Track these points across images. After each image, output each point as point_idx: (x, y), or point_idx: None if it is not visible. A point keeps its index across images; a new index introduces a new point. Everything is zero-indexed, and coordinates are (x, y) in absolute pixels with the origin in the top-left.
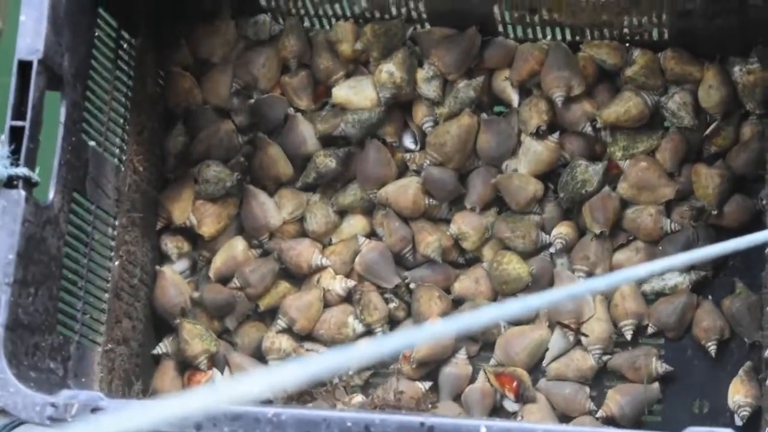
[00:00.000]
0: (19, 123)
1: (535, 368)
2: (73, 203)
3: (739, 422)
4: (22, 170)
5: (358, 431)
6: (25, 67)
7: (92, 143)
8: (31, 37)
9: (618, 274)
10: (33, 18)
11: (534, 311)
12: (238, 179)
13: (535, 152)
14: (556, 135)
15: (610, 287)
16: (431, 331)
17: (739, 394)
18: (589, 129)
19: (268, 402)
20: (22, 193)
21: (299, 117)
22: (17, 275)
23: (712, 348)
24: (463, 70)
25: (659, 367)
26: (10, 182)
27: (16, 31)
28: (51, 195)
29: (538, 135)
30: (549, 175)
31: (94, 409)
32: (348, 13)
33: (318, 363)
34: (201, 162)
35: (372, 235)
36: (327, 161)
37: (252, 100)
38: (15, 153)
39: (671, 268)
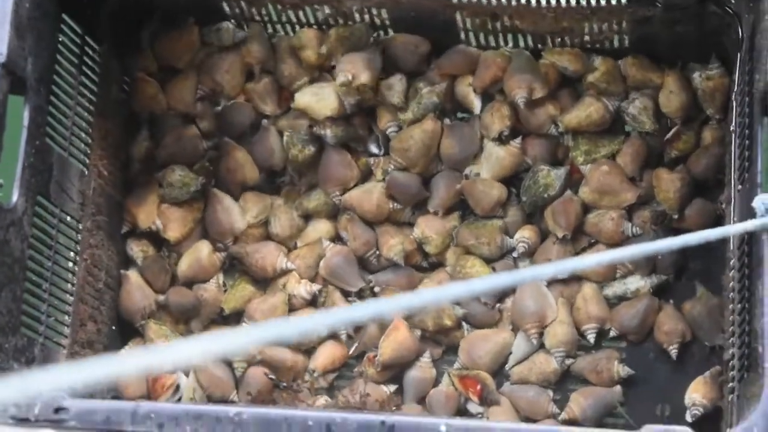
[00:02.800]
0: None
1: (499, 372)
2: (37, 206)
3: (688, 419)
4: None
5: (320, 430)
6: None
7: (57, 148)
8: None
9: (575, 260)
10: None
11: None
12: (203, 183)
13: (497, 157)
14: (518, 140)
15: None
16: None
17: (697, 393)
18: (553, 130)
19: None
20: None
21: (272, 129)
22: None
23: (673, 351)
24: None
25: (621, 370)
26: None
27: None
28: (14, 198)
29: (501, 140)
30: (511, 180)
31: (58, 409)
32: (312, 20)
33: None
34: (166, 167)
35: (336, 239)
36: (306, 151)
37: (219, 108)
38: None
39: (626, 258)
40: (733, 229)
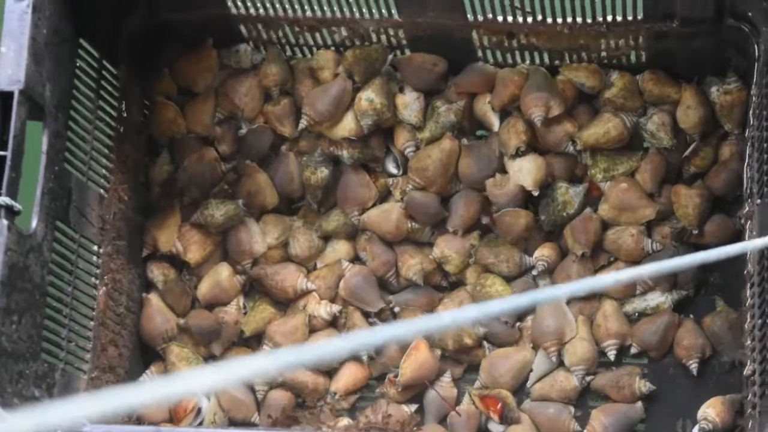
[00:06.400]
0: (0, 153)
1: (520, 389)
2: (57, 232)
3: None
4: (3, 199)
5: None
6: (6, 97)
7: (75, 172)
8: (12, 68)
9: (591, 280)
10: (13, 49)
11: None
12: (245, 204)
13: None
14: None
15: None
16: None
17: (711, 409)
18: (571, 149)
19: (253, 426)
20: (4, 222)
21: (291, 156)
22: (0, 303)
23: (693, 366)
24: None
25: (643, 386)
26: None
27: None
28: (34, 224)
29: (518, 157)
30: (530, 198)
31: None
32: (329, 42)
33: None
34: (186, 190)
35: (356, 259)
36: (318, 173)
37: (243, 130)
38: None
39: (644, 276)
40: (752, 244)
